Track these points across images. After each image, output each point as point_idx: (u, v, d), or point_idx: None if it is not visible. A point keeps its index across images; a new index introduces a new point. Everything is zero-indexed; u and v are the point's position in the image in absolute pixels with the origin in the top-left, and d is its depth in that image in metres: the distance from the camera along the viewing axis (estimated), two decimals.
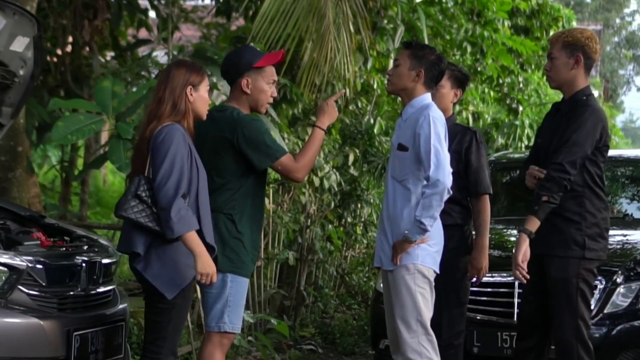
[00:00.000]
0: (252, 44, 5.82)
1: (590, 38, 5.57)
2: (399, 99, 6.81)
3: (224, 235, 5.20)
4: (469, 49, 11.31)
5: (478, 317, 6.31)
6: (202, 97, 5.03)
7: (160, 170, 4.81)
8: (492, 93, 12.06)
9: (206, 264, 4.83)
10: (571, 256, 5.46)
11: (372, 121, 9.72)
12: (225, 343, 5.26)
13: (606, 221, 5.58)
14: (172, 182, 4.79)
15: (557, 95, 19.55)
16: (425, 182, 5.25)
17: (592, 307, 6.16)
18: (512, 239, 6.58)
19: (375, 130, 9.66)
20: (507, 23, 11.81)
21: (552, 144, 5.53)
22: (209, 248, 4.94)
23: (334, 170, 9.01)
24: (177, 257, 4.89)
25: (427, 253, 5.32)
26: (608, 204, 5.67)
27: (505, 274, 6.24)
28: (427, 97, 5.44)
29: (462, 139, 5.93)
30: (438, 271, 5.40)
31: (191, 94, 4.98)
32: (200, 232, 4.88)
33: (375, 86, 9.85)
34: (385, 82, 5.64)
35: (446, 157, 5.25)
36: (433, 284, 5.37)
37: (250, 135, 5.19)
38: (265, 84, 5.32)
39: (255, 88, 5.30)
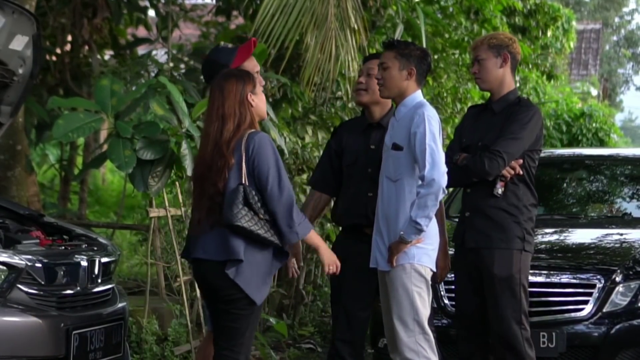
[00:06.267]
0: (222, 43, 5.70)
1: (514, 40, 5.73)
2: None
3: None
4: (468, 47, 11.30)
5: None
6: (261, 97, 5.03)
7: (269, 177, 4.82)
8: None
9: (332, 255, 5.07)
10: (514, 248, 5.55)
11: None
12: None
13: (535, 217, 5.71)
14: (287, 188, 4.84)
15: (557, 94, 19.48)
16: (420, 182, 5.23)
17: (592, 306, 6.20)
18: None
19: None
20: (504, 19, 11.80)
21: (483, 140, 5.60)
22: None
23: None
24: (266, 263, 4.89)
25: (424, 252, 5.30)
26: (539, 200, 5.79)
27: None
28: (418, 94, 5.40)
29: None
30: (435, 269, 5.39)
31: (252, 100, 4.95)
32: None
33: None
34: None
35: (441, 156, 5.22)
36: (430, 282, 5.36)
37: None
38: None
39: None
